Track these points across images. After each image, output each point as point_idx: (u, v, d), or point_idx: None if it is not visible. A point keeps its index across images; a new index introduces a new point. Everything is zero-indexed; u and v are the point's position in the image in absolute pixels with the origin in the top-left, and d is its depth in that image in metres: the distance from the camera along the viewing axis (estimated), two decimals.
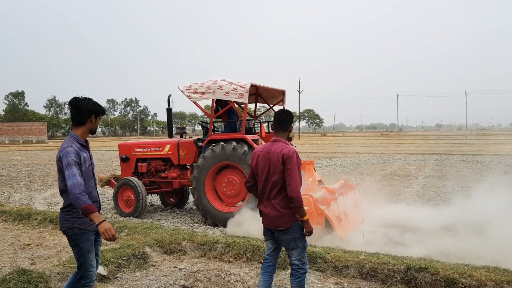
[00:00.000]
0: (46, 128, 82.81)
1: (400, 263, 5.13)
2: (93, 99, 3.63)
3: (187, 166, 9.62)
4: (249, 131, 9.33)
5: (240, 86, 8.30)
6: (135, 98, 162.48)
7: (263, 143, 8.54)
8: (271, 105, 10.31)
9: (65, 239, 7.30)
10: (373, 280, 5.09)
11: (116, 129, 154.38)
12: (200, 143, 9.00)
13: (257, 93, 9.91)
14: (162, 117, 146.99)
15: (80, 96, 3.59)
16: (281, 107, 9.90)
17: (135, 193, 9.22)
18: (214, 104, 8.93)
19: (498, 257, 5.66)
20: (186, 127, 10.27)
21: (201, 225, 8.65)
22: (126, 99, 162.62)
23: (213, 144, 8.52)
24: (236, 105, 9.07)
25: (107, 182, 10.38)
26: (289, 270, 5.39)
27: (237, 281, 5.02)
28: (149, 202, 11.45)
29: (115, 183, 9.84)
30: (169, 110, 9.18)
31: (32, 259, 6.15)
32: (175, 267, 5.67)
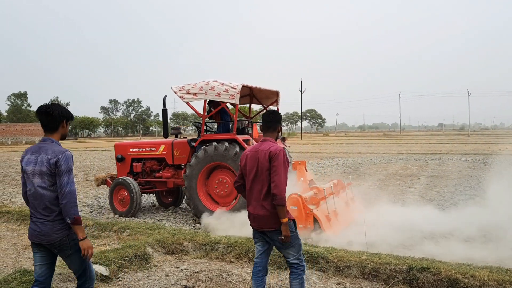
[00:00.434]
0: None
1: (402, 263, 5.11)
2: (62, 105, 3.64)
3: (182, 166, 9.70)
4: (242, 131, 9.42)
5: (232, 87, 8.41)
6: (138, 99, 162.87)
7: (255, 143, 8.55)
8: (265, 106, 10.43)
9: None
10: (375, 280, 5.08)
11: (118, 129, 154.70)
12: (194, 143, 9.09)
13: (251, 94, 10.03)
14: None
15: (48, 103, 3.57)
16: (275, 108, 10.02)
17: (129, 193, 9.32)
18: (207, 105, 9.01)
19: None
20: (181, 128, 10.30)
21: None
22: (128, 99, 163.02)
23: (207, 144, 8.63)
24: (230, 106, 9.13)
25: (103, 182, 10.46)
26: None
27: (239, 281, 5.01)
28: (151, 202, 11.47)
29: (111, 182, 9.92)
30: (164, 111, 9.30)
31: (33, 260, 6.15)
32: (177, 268, 5.67)
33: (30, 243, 6.77)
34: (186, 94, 8.75)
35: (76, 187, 13.80)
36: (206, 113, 9.01)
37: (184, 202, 10.80)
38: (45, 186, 3.41)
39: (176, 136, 10.09)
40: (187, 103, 8.88)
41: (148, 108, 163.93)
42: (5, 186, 14.75)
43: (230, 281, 5.01)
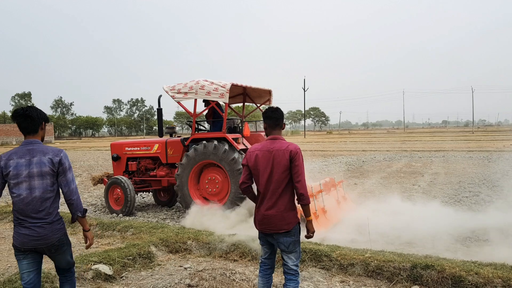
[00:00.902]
0: (53, 129, 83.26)
1: (406, 260, 5.10)
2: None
3: (176, 165, 9.77)
4: (234, 130, 9.60)
5: (221, 86, 8.51)
6: (141, 98, 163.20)
7: (245, 141, 8.81)
8: (258, 105, 10.55)
9: (71, 239, 7.28)
10: (379, 278, 5.07)
11: (122, 129, 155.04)
12: (186, 142, 9.22)
13: (244, 93, 10.18)
14: (168, 116, 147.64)
15: (24, 106, 3.55)
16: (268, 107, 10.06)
17: (123, 192, 9.41)
18: (196, 103, 9.12)
19: None
20: (176, 127, 10.43)
21: None
22: (132, 99, 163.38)
23: (197, 143, 8.76)
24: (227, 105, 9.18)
25: (100, 181, 10.59)
26: None
27: (242, 279, 5.01)
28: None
29: (108, 181, 10.04)
30: (159, 110, 9.45)
31: None
32: (181, 266, 5.67)
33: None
34: (177, 93, 8.88)
35: (80, 187, 13.92)
36: (204, 112, 9.16)
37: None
38: (47, 187, 3.39)
39: (171, 135, 10.22)
40: (178, 102, 9.01)
41: (151, 108, 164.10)
42: None
43: (233, 280, 5.00)
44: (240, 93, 10.15)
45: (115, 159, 10.47)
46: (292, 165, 3.78)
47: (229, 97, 10.07)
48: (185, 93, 8.80)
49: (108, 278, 5.16)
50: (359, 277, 5.14)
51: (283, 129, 4.08)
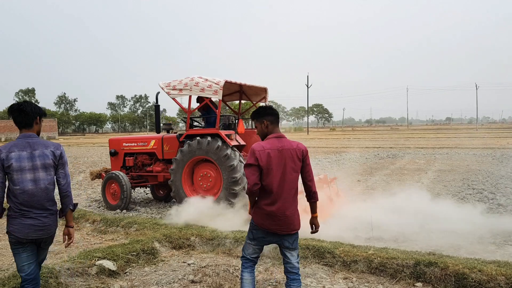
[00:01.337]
0: (57, 125, 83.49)
1: (409, 257, 5.10)
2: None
3: (172, 160, 9.81)
4: (229, 127, 9.77)
5: (215, 83, 8.63)
6: (145, 94, 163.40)
7: (238, 138, 8.95)
8: (254, 102, 10.69)
9: (75, 235, 7.35)
10: (382, 275, 5.07)
11: (125, 125, 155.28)
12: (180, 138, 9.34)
13: (241, 90, 10.28)
14: (171, 112, 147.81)
15: (19, 101, 3.64)
16: (264, 104, 10.45)
17: (120, 187, 9.54)
18: (191, 100, 9.24)
19: None
20: (172, 123, 10.56)
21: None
22: (135, 95, 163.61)
23: (191, 139, 8.87)
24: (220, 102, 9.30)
25: (98, 176, 10.73)
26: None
27: None
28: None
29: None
30: (157, 107, 9.64)
31: None
32: (184, 262, 5.69)
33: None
34: (173, 90, 9.01)
35: (84, 183, 13.97)
36: (199, 109, 9.40)
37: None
38: (50, 179, 3.52)
39: (168, 132, 10.31)
40: (173, 99, 9.11)
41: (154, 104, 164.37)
42: None
43: (237, 276, 5.02)
44: (236, 90, 10.29)
45: (113, 154, 10.64)
46: (304, 164, 3.83)
47: (226, 95, 10.40)
48: (180, 89, 8.94)
49: (112, 273, 5.19)
50: (362, 274, 5.15)
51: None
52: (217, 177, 8.74)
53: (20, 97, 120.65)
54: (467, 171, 15.14)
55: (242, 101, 10.86)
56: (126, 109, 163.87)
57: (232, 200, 8.24)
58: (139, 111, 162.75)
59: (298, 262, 3.89)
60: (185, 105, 9.34)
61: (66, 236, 3.71)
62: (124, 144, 10.57)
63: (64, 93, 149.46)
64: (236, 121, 10.01)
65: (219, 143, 8.44)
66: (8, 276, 4.70)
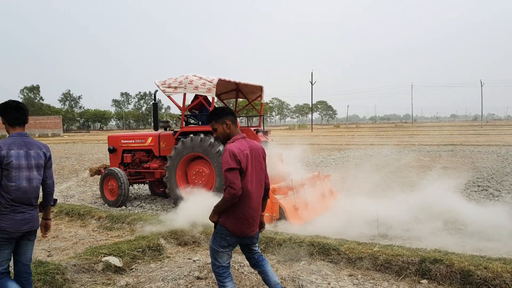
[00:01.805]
0: (61, 122, 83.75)
1: (414, 254, 5.10)
2: None
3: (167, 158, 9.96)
4: None
5: (209, 81, 8.81)
6: (149, 92, 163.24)
7: None
8: (250, 100, 10.91)
9: (81, 231, 7.40)
10: (387, 272, 5.07)
11: (130, 122, 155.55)
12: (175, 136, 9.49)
13: (237, 89, 10.51)
14: (175, 110, 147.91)
15: (11, 100, 3.82)
16: (261, 102, 10.78)
17: (117, 183, 9.67)
18: (185, 98, 9.43)
19: None
20: (170, 121, 10.70)
21: None
22: (140, 92, 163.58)
23: (185, 136, 9.05)
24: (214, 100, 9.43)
25: (98, 172, 10.86)
26: (303, 262, 5.41)
27: (251, 272, 5.04)
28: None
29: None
30: (155, 105, 9.84)
31: (48, 251, 6.25)
32: (189, 259, 5.71)
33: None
34: (168, 88, 9.17)
35: (90, 179, 14.01)
36: (195, 107, 9.70)
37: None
38: (40, 178, 3.74)
39: (165, 129, 10.43)
40: (168, 96, 9.28)
41: (159, 101, 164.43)
42: None
43: (242, 273, 5.03)
44: (233, 89, 10.51)
45: (112, 151, 10.85)
46: (265, 163, 3.91)
47: (223, 93, 10.72)
48: (175, 87, 9.09)
49: (118, 270, 5.22)
50: (367, 271, 5.15)
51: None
52: (210, 174, 8.90)
53: (25, 94, 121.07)
54: (472, 168, 15.09)
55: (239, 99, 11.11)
56: (131, 106, 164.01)
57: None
58: (143, 108, 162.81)
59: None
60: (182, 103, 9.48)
61: (44, 228, 3.98)
62: (122, 141, 10.75)
63: (69, 90, 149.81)
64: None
65: (211, 140, 8.60)
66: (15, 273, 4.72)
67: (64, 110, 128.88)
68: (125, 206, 9.67)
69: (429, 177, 13.15)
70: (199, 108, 10.06)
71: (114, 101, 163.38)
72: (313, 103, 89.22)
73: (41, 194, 3.79)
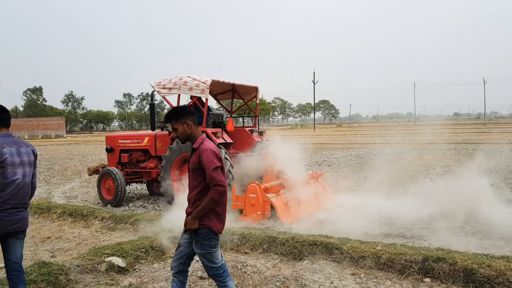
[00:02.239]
0: (64, 123, 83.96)
1: (417, 253, 5.09)
2: None
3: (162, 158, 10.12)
4: (219, 125, 10.10)
5: (202, 82, 8.93)
6: (152, 92, 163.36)
7: (225, 136, 9.25)
8: (245, 101, 11.12)
9: (84, 232, 7.43)
10: (390, 271, 5.06)
11: (132, 122, 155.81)
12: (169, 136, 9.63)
13: (233, 89, 10.66)
14: None
15: None
16: (256, 102, 10.97)
17: (114, 182, 9.77)
18: (180, 98, 9.54)
19: None
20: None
21: None
22: (142, 93, 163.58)
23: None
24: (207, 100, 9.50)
25: (95, 171, 10.95)
26: (305, 261, 5.41)
27: (254, 272, 5.04)
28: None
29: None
30: (152, 105, 9.98)
31: (52, 252, 6.27)
32: (192, 259, 5.71)
33: (47, 236, 6.86)
34: (163, 88, 9.33)
35: (94, 179, 14.03)
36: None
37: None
38: (31, 175, 3.84)
39: (162, 129, 10.49)
40: (163, 97, 9.46)
41: (161, 102, 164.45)
42: None
43: (245, 272, 5.04)
44: (229, 89, 10.68)
45: (109, 151, 10.98)
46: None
47: (219, 93, 10.90)
48: (170, 88, 9.24)
49: (121, 270, 5.23)
50: (370, 270, 5.15)
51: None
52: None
53: (28, 95, 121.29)
54: (476, 166, 15.03)
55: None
56: (133, 107, 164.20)
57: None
58: (146, 109, 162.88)
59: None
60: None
61: None
62: (119, 141, 10.87)
63: (71, 92, 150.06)
64: (226, 119, 10.36)
65: None
66: None
67: (67, 111, 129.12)
68: (128, 207, 9.69)
69: (432, 175, 13.12)
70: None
71: (117, 102, 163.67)
72: (315, 102, 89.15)
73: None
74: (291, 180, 8.35)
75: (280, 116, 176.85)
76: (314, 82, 79.63)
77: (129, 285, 4.85)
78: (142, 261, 5.61)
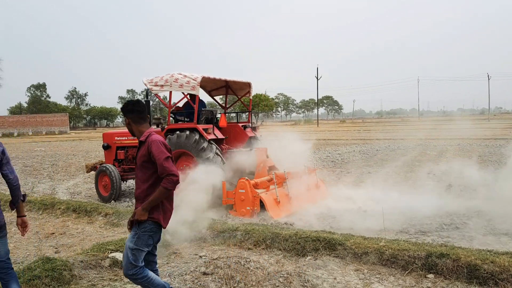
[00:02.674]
0: (68, 119, 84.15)
1: (420, 249, 5.08)
2: None
3: None
4: (211, 121, 10.16)
5: (193, 79, 9.01)
6: (147, 89, 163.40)
7: (216, 132, 9.31)
8: (239, 97, 11.16)
9: (88, 228, 7.45)
10: (393, 267, 5.06)
11: None
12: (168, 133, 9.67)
13: (227, 85, 10.77)
14: None
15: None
16: (249, 98, 11.03)
17: (110, 179, 9.90)
18: (171, 95, 9.62)
19: None
20: (162, 118, 10.90)
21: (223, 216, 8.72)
22: (145, 89, 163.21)
23: (171, 133, 9.26)
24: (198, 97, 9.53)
25: (93, 168, 11.06)
26: (308, 257, 5.42)
27: (257, 268, 5.05)
28: None
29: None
30: (147, 102, 9.92)
31: (56, 248, 6.30)
32: (196, 255, 5.73)
33: (51, 232, 6.88)
34: (155, 86, 9.43)
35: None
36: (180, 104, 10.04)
37: None
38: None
39: (157, 126, 10.55)
40: (156, 95, 9.65)
41: (165, 98, 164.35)
42: (26, 176, 15.04)
43: (248, 268, 5.04)
44: (222, 85, 10.79)
45: (106, 148, 11.09)
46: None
47: (213, 89, 11.03)
48: (161, 85, 9.35)
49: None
50: (373, 266, 5.14)
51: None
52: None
53: (32, 92, 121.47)
54: (480, 162, 14.99)
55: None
56: None
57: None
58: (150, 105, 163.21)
59: None
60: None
61: (20, 226, 3.90)
62: (116, 138, 10.97)
63: (75, 88, 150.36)
64: (219, 115, 10.45)
65: (196, 136, 8.80)
66: (23, 269, 4.77)
67: (70, 107, 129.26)
68: (132, 202, 9.72)
69: (436, 171, 13.09)
70: (185, 106, 10.32)
71: (120, 98, 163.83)
72: (318, 98, 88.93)
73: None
74: (282, 176, 8.52)
75: (283, 112, 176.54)
76: (317, 78, 79.48)
77: None
78: None
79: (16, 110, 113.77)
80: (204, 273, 4.99)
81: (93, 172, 11.20)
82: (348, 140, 30.63)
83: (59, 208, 8.58)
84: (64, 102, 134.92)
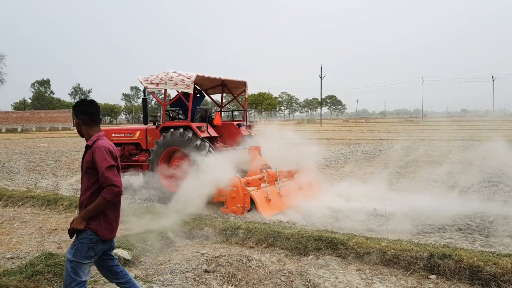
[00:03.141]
0: (72, 116, 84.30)
1: (423, 250, 5.08)
2: None
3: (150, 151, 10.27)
4: (205, 119, 10.24)
5: (187, 78, 9.09)
6: (144, 87, 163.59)
7: (210, 130, 9.35)
8: (235, 95, 11.28)
9: None
10: (395, 267, 5.06)
11: (139, 116, 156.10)
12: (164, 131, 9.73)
13: (222, 84, 10.86)
14: None
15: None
16: (245, 97, 11.09)
17: None
18: (166, 93, 9.73)
19: None
20: (158, 115, 10.92)
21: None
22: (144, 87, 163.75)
23: (166, 131, 9.34)
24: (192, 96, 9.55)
25: None
26: (310, 257, 5.41)
27: (259, 266, 5.05)
28: None
29: None
30: (144, 100, 10.15)
31: (58, 243, 6.32)
32: (198, 252, 5.74)
33: (54, 228, 6.90)
34: (150, 84, 9.55)
35: None
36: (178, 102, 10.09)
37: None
38: None
39: (154, 123, 10.59)
40: (151, 93, 9.76)
41: (168, 95, 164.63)
42: (30, 172, 15.08)
43: (250, 266, 5.05)
44: (218, 84, 10.88)
45: None
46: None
47: (209, 88, 11.12)
48: (157, 83, 9.46)
49: (127, 262, 5.26)
50: (375, 266, 5.14)
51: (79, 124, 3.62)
52: (188, 167, 9.10)
53: (36, 88, 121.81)
54: (483, 163, 14.94)
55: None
56: (140, 100, 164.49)
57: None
58: (152, 102, 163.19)
59: None
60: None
61: None
62: (113, 135, 10.98)
63: (79, 84, 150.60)
64: (214, 113, 10.53)
65: (190, 134, 8.89)
66: (25, 264, 4.79)
67: (74, 103, 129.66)
68: (134, 200, 9.74)
69: (439, 172, 13.05)
70: (179, 104, 10.39)
71: (124, 95, 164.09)
72: (322, 97, 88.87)
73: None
74: (273, 174, 8.62)
75: (286, 111, 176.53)
76: (321, 77, 79.38)
77: (134, 277, 4.87)
78: (148, 253, 5.63)
79: (20, 106, 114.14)
80: (206, 271, 5.00)
81: None
82: (351, 139, 30.58)
83: (62, 204, 8.60)
84: (68, 99, 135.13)
